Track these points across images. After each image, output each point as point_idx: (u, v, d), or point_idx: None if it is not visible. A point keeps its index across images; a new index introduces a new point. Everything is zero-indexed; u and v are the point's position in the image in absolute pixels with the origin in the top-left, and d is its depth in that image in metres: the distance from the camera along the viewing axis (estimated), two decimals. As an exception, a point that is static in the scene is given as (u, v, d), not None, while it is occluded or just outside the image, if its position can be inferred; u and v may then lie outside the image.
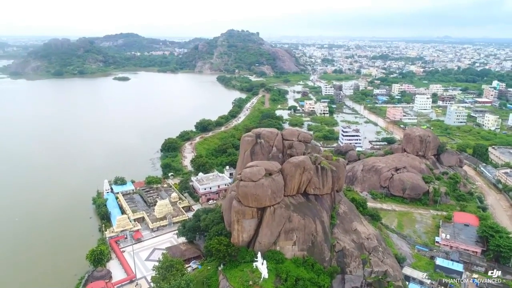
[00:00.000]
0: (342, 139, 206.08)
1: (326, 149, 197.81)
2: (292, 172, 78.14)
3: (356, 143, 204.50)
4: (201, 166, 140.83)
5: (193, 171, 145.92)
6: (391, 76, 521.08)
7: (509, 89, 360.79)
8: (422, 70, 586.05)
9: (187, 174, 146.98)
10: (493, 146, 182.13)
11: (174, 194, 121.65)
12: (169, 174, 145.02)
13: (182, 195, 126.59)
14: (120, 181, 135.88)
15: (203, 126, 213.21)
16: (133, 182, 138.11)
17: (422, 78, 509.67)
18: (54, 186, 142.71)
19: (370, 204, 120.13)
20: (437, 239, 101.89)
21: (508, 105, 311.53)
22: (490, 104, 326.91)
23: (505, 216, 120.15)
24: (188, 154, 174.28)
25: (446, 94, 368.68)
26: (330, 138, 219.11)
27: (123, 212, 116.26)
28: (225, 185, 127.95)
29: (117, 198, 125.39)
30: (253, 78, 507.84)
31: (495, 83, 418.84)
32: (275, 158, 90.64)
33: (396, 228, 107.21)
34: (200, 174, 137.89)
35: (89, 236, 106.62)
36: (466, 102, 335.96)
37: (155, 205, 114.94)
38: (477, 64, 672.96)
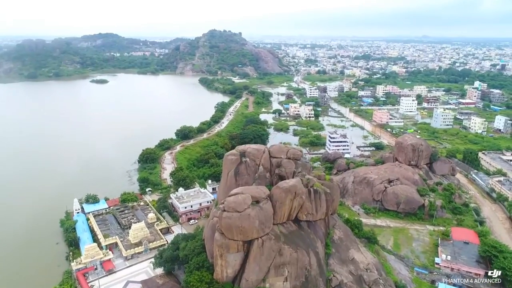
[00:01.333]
0: (330, 145, 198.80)
1: (313, 156, 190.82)
2: (282, 198, 69.08)
3: (344, 149, 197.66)
4: (181, 180, 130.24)
5: (172, 186, 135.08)
6: (375, 77, 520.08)
7: (491, 90, 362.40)
8: (404, 70, 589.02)
9: (166, 189, 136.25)
10: (483, 152, 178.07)
11: (151, 215, 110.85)
12: (147, 190, 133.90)
13: (161, 214, 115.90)
14: (92, 199, 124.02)
15: (184, 134, 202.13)
16: (106, 200, 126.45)
17: (405, 78, 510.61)
18: (16, 206, 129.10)
19: (364, 220, 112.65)
20: (436, 260, 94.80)
21: (492, 106, 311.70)
22: (474, 105, 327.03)
23: (503, 230, 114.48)
24: (168, 165, 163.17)
25: (430, 95, 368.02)
26: (316, 144, 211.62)
27: (94, 236, 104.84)
28: (208, 202, 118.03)
29: (88, 219, 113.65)
30: (236, 80, 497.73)
31: (477, 83, 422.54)
32: (262, 178, 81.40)
33: (392, 248, 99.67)
34: (180, 189, 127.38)
35: (54, 267, 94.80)
36: (450, 103, 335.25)
37: (130, 227, 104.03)
38: (457, 64, 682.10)
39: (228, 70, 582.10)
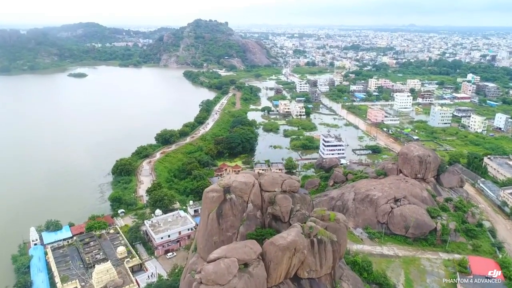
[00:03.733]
0: (324, 149, 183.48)
1: (306, 162, 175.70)
2: (278, 258, 53.27)
3: (339, 153, 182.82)
4: (158, 201, 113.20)
5: (149, 206, 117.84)
6: (365, 69, 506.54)
7: (486, 84, 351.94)
8: (395, 61, 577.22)
9: (142, 209, 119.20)
10: (489, 156, 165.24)
11: (121, 248, 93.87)
12: (119, 212, 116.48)
13: (133, 245, 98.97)
14: (54, 226, 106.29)
15: (165, 139, 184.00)
16: (71, 226, 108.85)
17: (396, 70, 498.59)
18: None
19: (368, 247, 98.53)
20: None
21: (488, 101, 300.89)
22: (469, 100, 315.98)
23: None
24: (145, 178, 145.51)
25: (423, 89, 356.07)
26: (309, 147, 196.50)
27: (51, 277, 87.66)
28: (188, 229, 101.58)
29: (46, 253, 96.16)
30: (222, 73, 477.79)
31: (470, 76, 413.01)
32: (252, 219, 65.33)
33: (405, 287, 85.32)
34: (157, 212, 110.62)
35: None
36: (445, 98, 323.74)
37: (94, 265, 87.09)
38: (447, 55, 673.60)
39: (214, 62, 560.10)
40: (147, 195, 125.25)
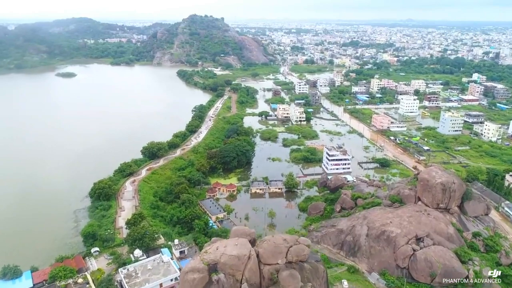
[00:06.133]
0: (327, 163, 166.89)
1: (309, 179, 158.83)
2: None
3: (344, 168, 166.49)
4: (138, 240, 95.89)
5: (127, 243, 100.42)
6: (366, 67, 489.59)
7: (494, 85, 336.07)
8: (396, 59, 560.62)
9: (120, 245, 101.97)
10: (511, 173, 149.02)
11: (89, 307, 76.86)
12: (92, 251, 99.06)
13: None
14: (11, 273, 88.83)
15: (152, 152, 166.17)
16: (33, 271, 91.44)
17: (398, 69, 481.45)
18: None
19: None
20: None
21: (498, 105, 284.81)
22: (477, 103, 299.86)
23: None
24: (127, 203, 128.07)
25: (428, 90, 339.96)
26: (311, 160, 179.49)
27: None
28: (171, 280, 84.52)
29: (-2, 313, 79.10)
30: (218, 71, 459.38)
31: (475, 76, 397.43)
32: (247, 304, 48.27)
33: None
34: (137, 253, 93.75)
35: None
36: (452, 101, 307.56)
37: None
38: (448, 52, 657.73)
39: (209, 60, 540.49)
40: (126, 228, 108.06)
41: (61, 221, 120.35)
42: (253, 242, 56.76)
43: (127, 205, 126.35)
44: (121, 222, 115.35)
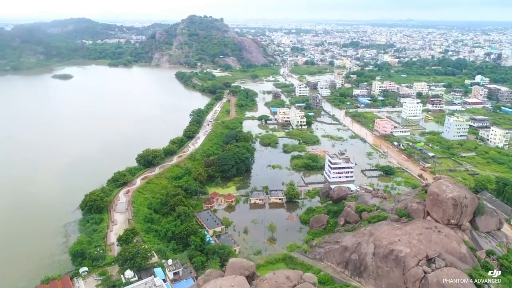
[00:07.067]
0: (330, 172, 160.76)
1: (310, 189, 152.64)
2: None
3: (347, 177, 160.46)
4: (129, 260, 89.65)
5: (118, 263, 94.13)
6: (367, 68, 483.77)
7: (498, 87, 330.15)
8: (397, 60, 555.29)
9: (111, 264, 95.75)
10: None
11: None
12: (81, 271, 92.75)
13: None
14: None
15: (147, 160, 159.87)
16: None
17: (399, 70, 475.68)
18: None
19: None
20: None
21: (503, 108, 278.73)
22: (481, 106, 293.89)
23: None
24: (120, 216, 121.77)
25: (431, 93, 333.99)
26: (312, 167, 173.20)
27: None
28: (164, 307, 78.38)
29: None
30: (217, 73, 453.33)
31: (478, 77, 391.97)
32: None
33: None
34: (128, 274, 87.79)
35: None
36: (455, 104, 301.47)
37: None
38: (449, 53, 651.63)
39: (208, 62, 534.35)
40: (118, 244, 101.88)
41: (49, 236, 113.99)
42: (252, 276, 50.43)
43: (119, 218, 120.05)
44: (112, 237, 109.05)
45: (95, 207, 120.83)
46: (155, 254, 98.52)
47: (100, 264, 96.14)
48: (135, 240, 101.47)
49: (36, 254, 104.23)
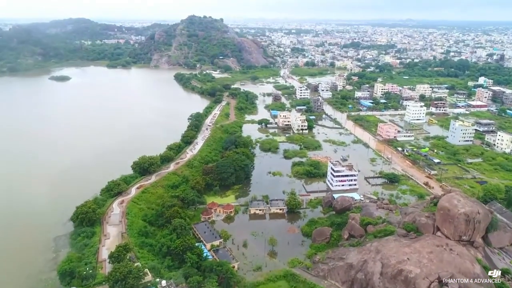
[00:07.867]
0: (332, 180, 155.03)
1: (312, 198, 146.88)
2: None
3: (350, 185, 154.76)
4: (120, 281, 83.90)
5: (109, 284, 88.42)
6: (368, 70, 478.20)
7: (502, 90, 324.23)
8: (398, 61, 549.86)
9: (102, 284, 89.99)
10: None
11: None
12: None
13: None
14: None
15: (143, 168, 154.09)
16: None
17: (401, 72, 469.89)
18: None
19: None
20: None
21: (508, 111, 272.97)
22: (486, 109, 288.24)
23: None
24: (113, 229, 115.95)
25: (434, 95, 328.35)
26: (314, 175, 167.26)
27: None
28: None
29: None
30: (216, 74, 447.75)
31: (481, 79, 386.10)
32: None
33: None
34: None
35: None
36: (459, 107, 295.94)
37: None
38: (451, 54, 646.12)
39: (208, 63, 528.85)
40: (109, 262, 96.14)
41: (38, 251, 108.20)
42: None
43: (113, 232, 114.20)
44: (104, 253, 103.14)
45: (87, 219, 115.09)
46: (148, 272, 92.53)
47: (90, 284, 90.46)
48: (128, 257, 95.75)
49: (23, 271, 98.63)
